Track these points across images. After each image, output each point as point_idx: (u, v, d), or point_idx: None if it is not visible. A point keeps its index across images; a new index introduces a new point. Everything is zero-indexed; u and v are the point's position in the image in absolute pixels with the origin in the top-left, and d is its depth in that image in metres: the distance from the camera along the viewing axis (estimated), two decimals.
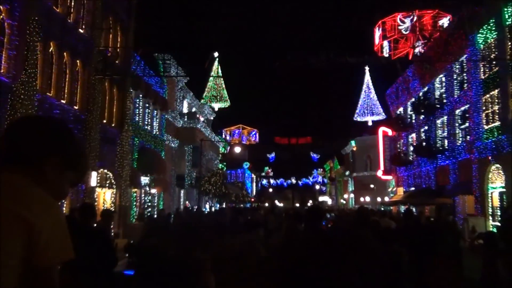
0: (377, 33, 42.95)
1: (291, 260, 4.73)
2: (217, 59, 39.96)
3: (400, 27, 39.38)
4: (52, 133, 1.37)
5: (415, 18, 38.61)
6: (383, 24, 41.51)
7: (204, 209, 31.96)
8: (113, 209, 19.12)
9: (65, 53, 15.75)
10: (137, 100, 23.19)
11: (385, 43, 40.99)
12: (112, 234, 17.86)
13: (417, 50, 37.82)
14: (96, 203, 17.85)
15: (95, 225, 5.54)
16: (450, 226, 8.38)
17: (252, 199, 61.79)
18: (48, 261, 1.22)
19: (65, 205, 15.35)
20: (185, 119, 34.25)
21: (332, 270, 4.42)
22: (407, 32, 39.03)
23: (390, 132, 41.99)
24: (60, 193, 1.39)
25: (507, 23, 19.66)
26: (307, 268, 4.50)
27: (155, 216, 22.05)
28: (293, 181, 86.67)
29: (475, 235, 12.42)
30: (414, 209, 30.16)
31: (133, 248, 5.26)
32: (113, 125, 20.02)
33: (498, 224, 16.50)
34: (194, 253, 3.54)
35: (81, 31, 16.82)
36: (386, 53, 39.83)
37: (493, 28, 20.96)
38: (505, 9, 19.59)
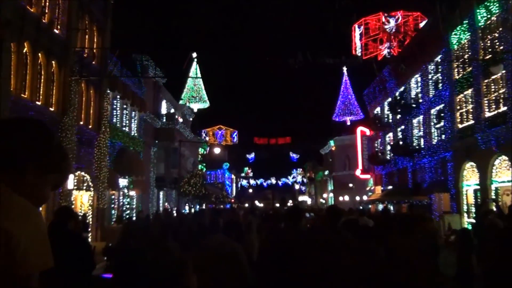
0: (357, 31, 43.05)
1: (271, 260, 4.76)
2: (195, 59, 39.73)
3: (385, 27, 39.73)
4: (31, 135, 1.32)
5: (399, 19, 39.12)
6: (366, 23, 41.73)
7: (184, 211, 31.79)
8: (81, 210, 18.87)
9: (40, 54, 15.45)
10: (115, 101, 22.91)
11: (358, 43, 41.38)
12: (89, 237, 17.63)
13: (385, 51, 38.40)
14: (73, 206, 17.56)
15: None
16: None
17: (232, 200, 61.69)
18: (27, 270, 1.20)
19: (40, 209, 15.09)
20: (164, 120, 34.00)
21: (311, 269, 4.46)
22: (392, 32, 39.43)
23: (368, 131, 42.55)
24: (41, 198, 1.34)
25: (480, 24, 20.17)
26: (287, 267, 4.54)
27: (134, 218, 21.84)
28: (273, 181, 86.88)
29: (449, 232, 12.71)
30: (391, 207, 30.71)
31: (112, 251, 5.21)
32: (90, 126, 19.74)
33: (473, 221, 16.90)
34: (175, 254, 3.53)
35: (56, 31, 16.52)
36: (359, 53, 40.24)
37: (467, 29, 21.46)
38: (478, 11, 20.09)
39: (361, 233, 5.48)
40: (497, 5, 18.73)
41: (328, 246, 4.49)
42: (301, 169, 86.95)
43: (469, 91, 21.49)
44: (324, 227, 4.88)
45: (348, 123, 58.52)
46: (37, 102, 15.38)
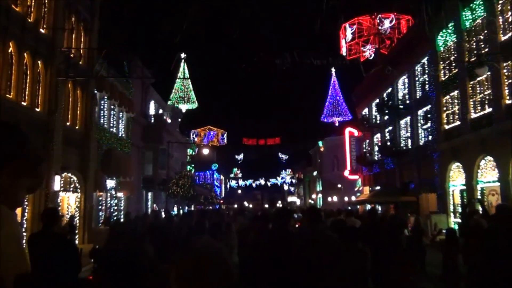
0: (348, 31, 43.08)
1: (259, 260, 4.77)
2: (183, 60, 39.62)
3: (378, 28, 39.89)
4: (3, 139, 1.30)
5: (393, 21, 39.37)
6: (359, 23, 41.78)
7: (172, 212, 31.63)
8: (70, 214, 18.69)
9: (25, 54, 15.27)
10: (102, 101, 22.73)
11: (344, 44, 41.56)
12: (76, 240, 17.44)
13: (367, 53, 38.70)
14: (60, 208, 17.38)
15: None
16: (403, 222, 8.67)
17: (221, 201, 61.62)
18: (0, 272, 1.18)
19: (27, 211, 14.90)
20: (152, 121, 33.82)
21: (299, 269, 4.48)
22: (383, 33, 39.62)
23: (356, 132, 42.81)
24: (16, 201, 1.33)
25: (465, 26, 20.42)
26: (275, 267, 4.55)
27: (121, 220, 21.67)
28: (262, 182, 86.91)
29: (436, 232, 12.84)
30: (379, 208, 30.92)
31: (99, 253, 5.18)
32: (77, 127, 19.55)
33: (459, 221, 17.11)
34: (158, 265, 3.53)
35: (42, 31, 16.34)
36: (345, 53, 40.47)
37: (452, 32, 21.71)
38: (463, 14, 20.34)
39: (348, 233, 5.53)
40: (482, 7, 18.99)
41: (314, 246, 4.51)
42: (290, 170, 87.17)
43: (455, 93, 21.75)
44: (310, 228, 4.90)
45: (337, 124, 58.70)
46: (23, 103, 15.19)
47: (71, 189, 18.93)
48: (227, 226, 6.77)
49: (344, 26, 41.46)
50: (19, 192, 1.33)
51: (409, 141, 28.55)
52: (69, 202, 18.83)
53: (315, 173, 65.68)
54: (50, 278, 3.81)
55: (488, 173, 19.07)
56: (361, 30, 41.08)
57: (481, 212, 9.64)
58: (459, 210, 20.93)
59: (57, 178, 16.54)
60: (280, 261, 4.48)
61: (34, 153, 1.38)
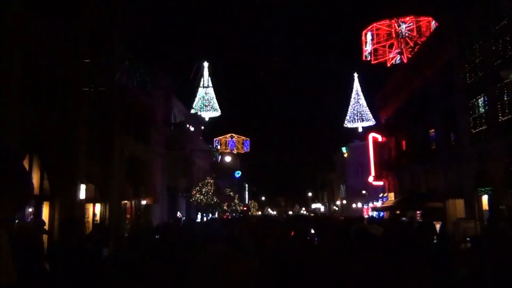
0: (368, 37, 42.95)
1: (278, 268, 4.72)
2: (206, 68, 40.00)
3: (396, 32, 39.57)
4: None
5: (411, 24, 38.98)
6: (377, 29, 41.56)
7: (196, 220, 31.78)
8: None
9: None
10: (124, 111, 23.02)
11: (368, 49, 41.24)
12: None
13: (395, 56, 38.24)
14: (86, 217, 17.67)
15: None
16: (433, 230, 8.43)
17: (245, 208, 61.63)
18: None
19: (55, 220, 15.09)
20: (174, 129, 34.15)
21: (317, 278, 4.41)
22: (402, 37, 39.26)
23: (380, 137, 42.23)
24: (2, 219, 1.31)
25: (491, 29, 19.94)
26: (293, 276, 4.49)
27: (141, 228, 21.79)
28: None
29: (463, 239, 12.49)
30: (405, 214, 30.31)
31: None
32: (100, 137, 19.84)
33: (484, 227, 16.62)
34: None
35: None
36: (369, 59, 40.19)
37: (479, 34, 21.22)
38: (489, 15, 19.87)
39: (369, 242, 5.40)
40: (508, 9, 18.52)
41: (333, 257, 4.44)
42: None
43: (482, 96, 21.22)
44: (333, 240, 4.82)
45: (360, 130, 58.12)
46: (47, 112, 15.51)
47: (96, 198, 19.19)
48: (240, 232, 6.72)
49: (364, 33, 41.19)
50: (5, 210, 1.31)
51: (435, 145, 27.96)
52: (94, 211, 19.11)
53: (338, 179, 65.06)
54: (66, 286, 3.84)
55: None
56: (382, 35, 40.74)
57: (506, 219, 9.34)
58: (487, 216, 20.33)
59: (82, 187, 16.80)
60: (299, 270, 4.43)
61: (20, 173, 1.36)
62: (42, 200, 15.01)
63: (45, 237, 13.70)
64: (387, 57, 40.05)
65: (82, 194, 16.77)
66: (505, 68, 15.43)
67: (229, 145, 64.09)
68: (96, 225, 16.90)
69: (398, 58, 38.99)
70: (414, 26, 39.01)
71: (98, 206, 19.42)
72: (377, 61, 39.91)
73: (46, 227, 14.40)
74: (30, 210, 14.68)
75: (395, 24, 39.34)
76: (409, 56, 36.07)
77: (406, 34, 38.83)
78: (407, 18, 38.93)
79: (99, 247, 6.37)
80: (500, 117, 19.43)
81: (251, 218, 30.60)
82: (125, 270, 3.64)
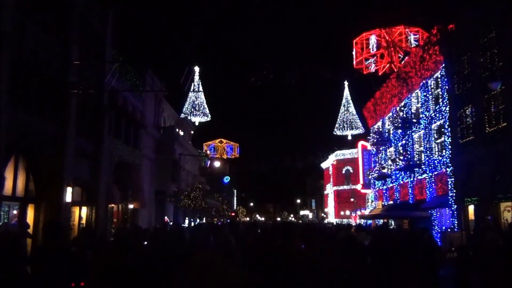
0: (358, 47, 43.30)
1: (267, 276, 4.69)
2: (197, 73, 39.98)
3: (385, 42, 39.97)
4: None
5: (401, 34, 39.42)
6: (367, 39, 41.86)
7: (183, 225, 31.57)
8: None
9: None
10: (114, 113, 22.86)
11: (358, 58, 41.61)
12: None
13: (372, 68, 38.74)
14: (72, 220, 17.43)
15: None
16: (420, 240, 8.46)
17: (233, 213, 61.44)
18: None
19: (40, 223, 14.86)
20: (164, 133, 33.95)
21: (304, 285, 4.39)
22: (392, 47, 39.66)
23: (369, 146, 42.50)
24: None
25: (478, 41, 20.23)
26: (280, 282, 4.46)
27: (129, 232, 21.57)
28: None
29: (449, 249, 12.57)
30: (392, 223, 30.49)
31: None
32: (88, 139, 19.66)
33: (471, 237, 16.74)
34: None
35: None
36: (359, 68, 40.57)
37: (466, 45, 21.51)
38: (477, 27, 20.16)
39: (357, 249, 5.41)
40: (495, 22, 18.81)
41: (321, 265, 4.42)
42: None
43: (469, 107, 21.47)
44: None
45: (349, 138, 58.45)
46: (35, 115, 15.32)
47: (82, 201, 18.98)
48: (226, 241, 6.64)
49: (355, 41, 41.55)
50: None
51: (423, 155, 28.19)
52: (80, 214, 18.88)
53: (327, 186, 65.22)
54: None
55: (503, 189, 18.65)
56: (373, 45, 41.12)
57: (493, 228, 9.42)
58: (473, 226, 20.49)
59: (69, 189, 16.59)
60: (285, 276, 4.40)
61: None
62: (27, 203, 14.78)
63: (29, 240, 13.51)
64: (378, 67, 40.41)
65: (68, 197, 16.56)
66: (493, 80, 15.63)
67: (218, 150, 63.98)
68: (82, 229, 16.67)
69: (385, 68, 39.41)
70: (403, 36, 39.47)
71: (84, 210, 19.21)
72: (368, 71, 40.26)
73: (30, 230, 14.19)
74: (15, 212, 14.46)
75: (385, 34, 39.76)
76: (399, 66, 36.42)
77: (395, 45, 39.26)
78: (398, 28, 39.38)
79: (85, 251, 6.28)
80: (487, 128, 19.66)
81: (240, 224, 30.49)
82: (112, 274, 3.58)
